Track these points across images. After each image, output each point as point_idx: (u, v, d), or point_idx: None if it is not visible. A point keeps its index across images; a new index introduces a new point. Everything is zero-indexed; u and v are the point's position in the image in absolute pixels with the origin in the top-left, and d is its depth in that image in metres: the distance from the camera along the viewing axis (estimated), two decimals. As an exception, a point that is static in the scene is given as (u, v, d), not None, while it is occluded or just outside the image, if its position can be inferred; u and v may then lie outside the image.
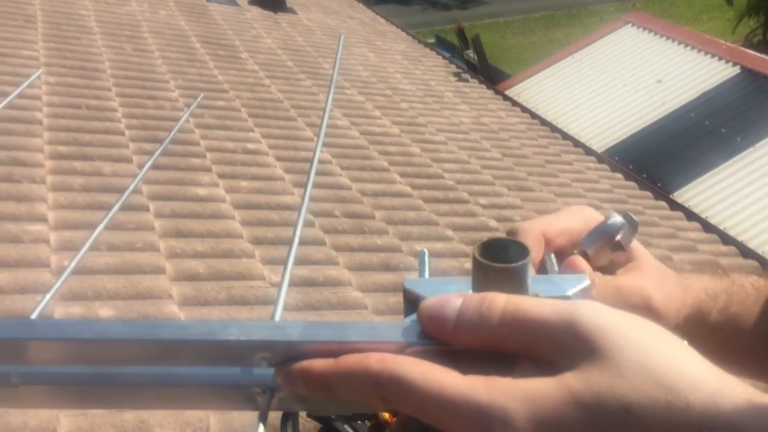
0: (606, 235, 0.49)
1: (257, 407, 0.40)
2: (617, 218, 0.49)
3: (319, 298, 2.22)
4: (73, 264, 0.61)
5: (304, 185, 2.98)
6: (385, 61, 5.52)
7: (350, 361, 0.37)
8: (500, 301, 0.36)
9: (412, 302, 0.40)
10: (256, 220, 2.58)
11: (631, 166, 5.03)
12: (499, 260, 0.37)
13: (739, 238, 4.13)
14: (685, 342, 0.36)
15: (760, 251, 3.98)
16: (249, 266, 2.26)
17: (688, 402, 0.32)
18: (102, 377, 0.40)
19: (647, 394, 0.33)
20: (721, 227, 4.24)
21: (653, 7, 16.78)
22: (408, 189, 3.28)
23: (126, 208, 2.38)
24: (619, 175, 4.51)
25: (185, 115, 0.69)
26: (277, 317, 0.42)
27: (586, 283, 0.41)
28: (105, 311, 1.87)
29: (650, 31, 6.68)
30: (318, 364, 0.37)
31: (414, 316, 0.38)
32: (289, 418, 1.69)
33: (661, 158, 5.35)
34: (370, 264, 2.51)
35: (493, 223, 3.19)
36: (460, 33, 7.56)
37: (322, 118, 0.55)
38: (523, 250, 0.38)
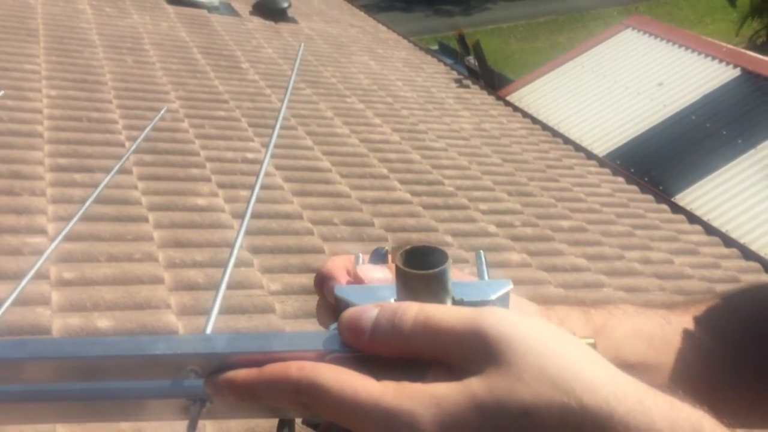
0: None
1: (189, 417, 0.41)
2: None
3: (318, 305, 2.23)
4: (68, 226, 0.63)
5: (303, 194, 3.01)
6: (386, 69, 5.55)
7: (272, 370, 0.39)
8: (412, 311, 0.38)
9: (343, 309, 0.42)
10: (255, 229, 2.59)
11: (632, 170, 5.03)
12: (422, 267, 0.39)
13: (742, 241, 4.13)
14: (588, 342, 0.37)
15: (762, 253, 3.97)
16: (247, 275, 2.28)
17: (583, 404, 0.34)
18: (34, 393, 0.41)
19: (544, 397, 0.34)
20: (723, 230, 4.24)
21: (656, 10, 16.78)
22: (408, 196, 3.29)
23: (125, 219, 2.40)
24: (621, 179, 4.51)
25: (148, 128, 0.70)
26: (209, 330, 0.44)
27: (509, 287, 0.42)
28: (103, 322, 1.89)
29: (651, 35, 6.68)
30: (242, 373, 0.39)
31: (336, 325, 0.39)
32: (285, 425, 1.71)
33: (663, 161, 5.34)
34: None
35: (492, 228, 3.20)
36: (461, 39, 7.58)
37: (274, 128, 0.57)
38: (443, 257, 0.39)
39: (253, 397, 0.39)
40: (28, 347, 0.39)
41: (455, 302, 0.40)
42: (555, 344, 0.36)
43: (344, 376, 0.37)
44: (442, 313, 0.37)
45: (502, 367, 0.35)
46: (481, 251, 0.47)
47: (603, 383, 0.35)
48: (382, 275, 0.45)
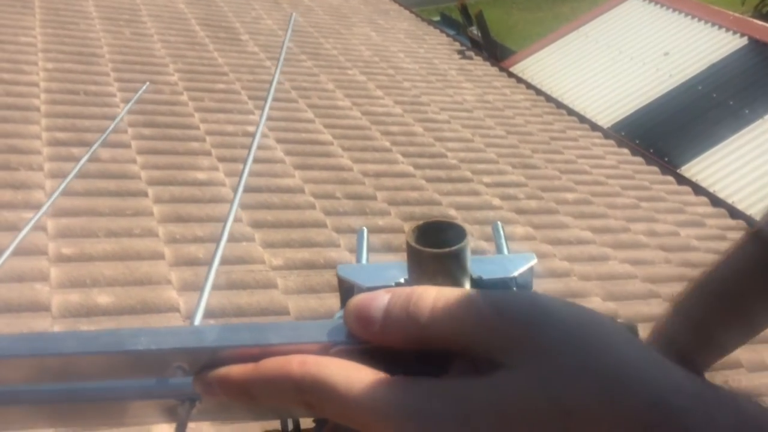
0: None
1: (177, 419, 0.37)
2: None
3: (320, 281, 2.20)
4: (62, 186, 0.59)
5: (305, 167, 2.97)
6: (387, 41, 5.47)
7: (270, 365, 0.34)
8: (429, 296, 0.33)
9: (347, 291, 0.38)
10: (256, 203, 2.56)
11: (637, 141, 4.98)
12: (436, 244, 0.35)
13: (748, 212, 4.08)
14: (629, 328, 0.33)
15: (768, 225, 3.93)
16: (249, 250, 2.25)
17: (635, 401, 0.30)
18: (4, 396, 0.37)
19: (590, 394, 0.30)
20: (729, 201, 4.19)
21: (661, -21, 16.56)
22: (410, 169, 3.25)
23: (124, 193, 2.36)
24: (626, 151, 4.46)
25: (129, 104, 0.66)
26: (197, 321, 0.40)
27: (533, 261, 0.38)
28: (103, 298, 1.86)
29: (656, 3, 6.58)
30: (236, 370, 0.35)
31: (342, 313, 0.35)
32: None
33: (668, 132, 5.28)
34: (372, 245, 2.46)
35: (497, 201, 3.16)
36: (464, 10, 7.47)
37: (266, 99, 0.53)
38: (461, 233, 0.35)
39: (250, 395, 0.34)
40: None
41: (473, 281, 0.36)
42: (596, 332, 0.32)
43: (354, 371, 0.33)
44: (465, 299, 0.33)
45: (537, 359, 0.31)
46: (499, 222, 0.43)
47: (655, 377, 0.30)
48: None
